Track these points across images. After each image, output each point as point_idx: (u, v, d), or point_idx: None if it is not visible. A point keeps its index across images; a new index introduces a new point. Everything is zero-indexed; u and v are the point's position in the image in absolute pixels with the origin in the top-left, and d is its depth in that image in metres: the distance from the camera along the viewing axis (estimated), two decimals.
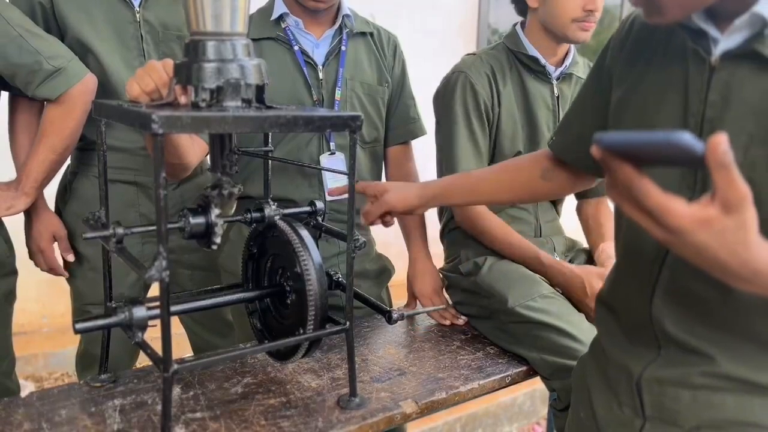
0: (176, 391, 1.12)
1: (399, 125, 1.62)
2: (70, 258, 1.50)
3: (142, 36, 1.41)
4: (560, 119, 1.49)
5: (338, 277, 1.17)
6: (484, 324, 1.44)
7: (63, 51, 1.32)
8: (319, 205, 1.18)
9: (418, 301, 1.58)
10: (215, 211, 1.04)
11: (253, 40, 1.44)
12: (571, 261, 1.55)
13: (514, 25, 1.57)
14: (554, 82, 1.51)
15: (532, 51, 1.48)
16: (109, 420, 1.02)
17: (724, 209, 0.52)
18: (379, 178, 1.65)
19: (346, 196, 1.52)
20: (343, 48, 1.49)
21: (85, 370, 1.60)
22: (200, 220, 1.02)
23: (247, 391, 1.13)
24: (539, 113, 1.50)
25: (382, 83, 1.56)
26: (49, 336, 1.61)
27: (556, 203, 1.62)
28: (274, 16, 1.45)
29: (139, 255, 1.51)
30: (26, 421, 1.01)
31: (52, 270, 1.52)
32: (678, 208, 0.53)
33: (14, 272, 1.44)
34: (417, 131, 1.64)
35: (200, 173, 1.62)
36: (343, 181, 1.47)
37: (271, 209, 1.15)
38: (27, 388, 2.39)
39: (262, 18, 1.48)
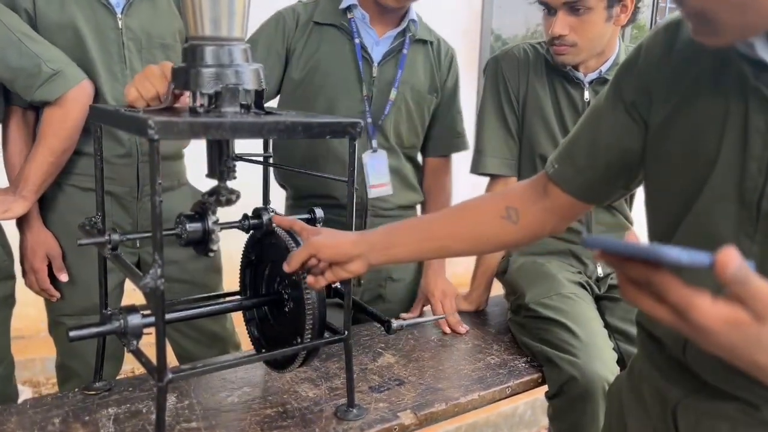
0: (171, 400, 1.10)
1: (443, 136, 1.65)
2: (63, 278, 1.47)
3: (124, 43, 1.39)
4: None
5: (336, 285, 1.15)
6: (513, 318, 1.48)
7: (60, 55, 1.32)
8: (319, 212, 1.16)
9: (420, 310, 1.58)
10: (212, 218, 1.02)
11: (316, 23, 1.51)
12: None
13: None
14: (586, 86, 1.47)
15: (562, 65, 1.46)
16: (102, 429, 1.00)
17: (756, 317, 0.48)
18: (421, 183, 1.67)
19: (388, 191, 1.58)
20: (404, 51, 1.52)
21: (64, 382, 1.57)
22: (197, 226, 1.01)
23: (244, 401, 1.11)
24: (566, 118, 1.49)
25: (432, 92, 1.59)
26: (46, 341, 1.59)
27: (618, 207, 1.54)
28: (344, 5, 1.49)
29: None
30: (19, 429, 0.99)
31: (44, 291, 1.49)
32: (704, 306, 0.49)
33: (12, 277, 1.43)
34: (460, 145, 1.67)
35: (178, 185, 1.59)
36: (383, 177, 1.54)
37: (269, 215, 1.14)
38: (24, 393, 2.37)
39: (330, 4, 1.52)
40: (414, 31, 1.54)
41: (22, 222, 1.45)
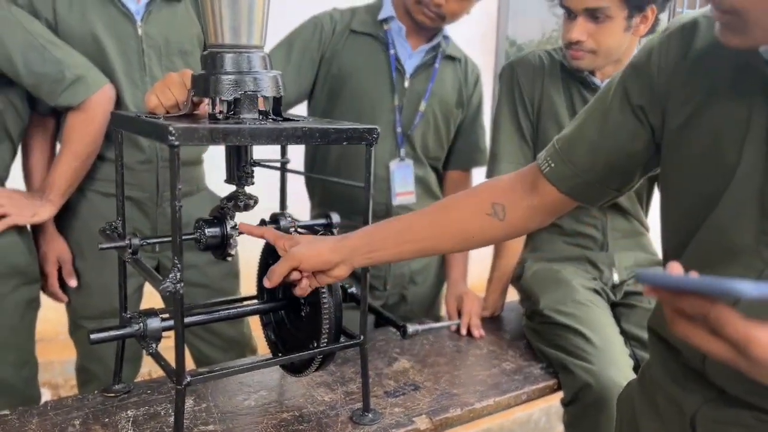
0: (189, 402, 1.11)
1: (465, 151, 1.69)
2: (72, 283, 1.49)
3: (144, 50, 1.41)
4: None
5: (353, 290, 1.16)
6: (528, 324, 1.49)
7: (83, 60, 1.34)
8: (335, 218, 1.17)
9: (443, 315, 1.60)
10: (230, 223, 1.04)
11: (353, 31, 1.55)
12: (635, 278, 1.52)
13: None
14: None
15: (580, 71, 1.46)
16: (122, 431, 1.02)
17: None
18: (442, 195, 1.70)
19: (412, 199, 1.62)
20: (436, 65, 1.57)
21: (84, 384, 1.60)
22: (215, 231, 1.03)
23: (260, 405, 1.12)
24: None
25: (458, 107, 1.64)
26: (66, 343, 1.62)
27: (633, 213, 1.53)
28: (382, 16, 1.54)
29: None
30: (40, 430, 1.01)
31: (53, 295, 1.52)
32: (765, 340, 0.48)
33: (37, 280, 1.46)
34: (481, 161, 1.70)
35: (198, 191, 1.61)
36: (408, 185, 1.59)
37: (286, 221, 1.15)
38: (44, 395, 2.40)
39: (368, 14, 1.57)
40: (445, 47, 1.59)
41: (36, 228, 1.48)
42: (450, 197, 1.00)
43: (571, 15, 1.36)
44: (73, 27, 1.36)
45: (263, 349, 1.30)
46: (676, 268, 0.54)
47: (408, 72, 1.55)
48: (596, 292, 1.46)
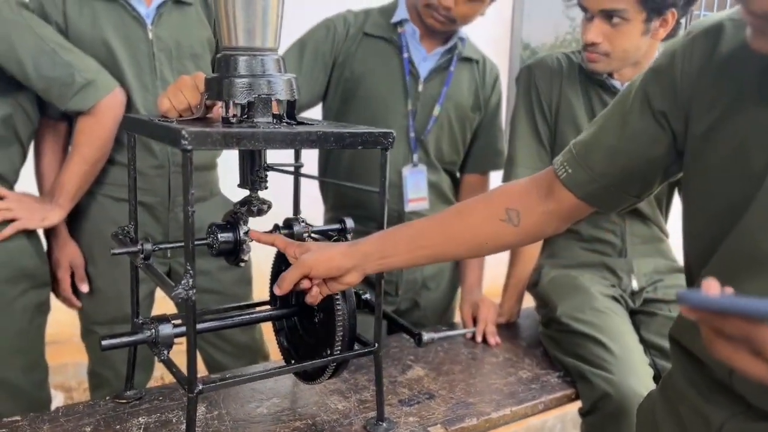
0: (201, 410, 1.10)
1: (482, 154, 1.66)
2: (84, 288, 1.49)
3: (154, 54, 1.41)
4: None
5: (367, 297, 1.14)
6: (544, 331, 1.47)
7: (93, 64, 1.33)
8: (349, 223, 1.16)
9: (457, 322, 1.58)
10: (243, 228, 1.02)
11: (366, 34, 1.52)
12: (654, 285, 1.48)
13: None
14: None
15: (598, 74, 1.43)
16: None
17: None
18: (458, 199, 1.67)
19: (425, 206, 1.60)
20: (451, 69, 1.54)
21: (96, 389, 1.59)
22: (228, 236, 1.01)
23: (273, 413, 1.11)
24: None
25: (475, 110, 1.60)
26: (79, 346, 1.61)
27: (653, 219, 1.51)
28: (395, 19, 1.52)
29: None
30: None
31: (66, 301, 1.51)
32: None
33: (47, 284, 1.45)
34: (499, 164, 1.66)
35: (211, 195, 1.60)
36: (421, 191, 1.56)
37: (300, 225, 1.13)
38: (56, 397, 2.41)
39: (381, 16, 1.54)
40: (461, 49, 1.55)
41: (49, 232, 1.47)
42: (463, 203, 0.98)
43: (588, 16, 1.34)
44: (83, 31, 1.35)
45: (275, 354, 1.29)
46: (713, 287, 0.51)
47: (422, 76, 1.52)
48: (615, 299, 1.43)
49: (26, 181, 1.48)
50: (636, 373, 1.23)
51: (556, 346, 1.38)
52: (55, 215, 1.39)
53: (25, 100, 1.37)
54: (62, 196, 1.39)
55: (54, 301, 1.51)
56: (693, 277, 0.83)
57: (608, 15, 1.29)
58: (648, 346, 1.37)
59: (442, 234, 0.94)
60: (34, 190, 1.47)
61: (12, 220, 1.34)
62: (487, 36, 3.68)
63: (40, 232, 1.45)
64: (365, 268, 0.94)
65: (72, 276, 1.49)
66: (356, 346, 1.05)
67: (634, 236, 1.49)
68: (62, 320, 1.74)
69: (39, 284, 1.41)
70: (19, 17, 1.27)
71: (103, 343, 0.91)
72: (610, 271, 1.49)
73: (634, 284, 1.47)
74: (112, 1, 1.36)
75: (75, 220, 1.49)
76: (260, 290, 1.66)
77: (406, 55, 1.51)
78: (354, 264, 0.93)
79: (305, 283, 0.94)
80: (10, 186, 1.40)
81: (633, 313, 1.46)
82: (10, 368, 1.35)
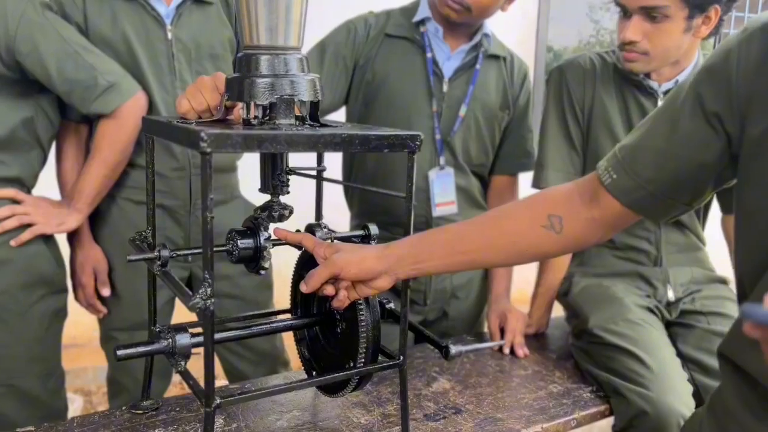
0: (219, 422, 1.06)
1: (511, 155, 1.60)
2: (105, 292, 1.46)
3: (173, 54, 1.38)
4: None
5: (391, 306, 1.10)
6: (575, 343, 1.40)
7: (116, 67, 1.31)
8: (373, 229, 1.11)
9: (486, 334, 1.52)
10: (264, 234, 0.98)
11: (387, 35, 1.48)
12: (691, 296, 1.42)
13: None
14: (660, 96, 1.37)
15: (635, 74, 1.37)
16: None
17: None
18: (487, 202, 1.62)
19: (453, 210, 1.55)
20: (477, 66, 1.48)
21: (114, 397, 1.56)
22: (249, 243, 0.97)
23: (293, 426, 1.06)
24: None
25: (503, 109, 1.55)
26: (99, 349, 1.59)
27: (689, 226, 1.45)
28: (417, 18, 1.47)
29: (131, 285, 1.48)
30: None
31: (90, 307, 1.49)
32: None
33: (64, 290, 1.43)
34: (528, 165, 1.61)
35: (231, 198, 1.57)
36: (449, 195, 1.51)
37: (322, 231, 1.09)
38: (75, 401, 2.40)
39: (403, 16, 1.49)
40: (487, 47, 1.49)
41: (72, 237, 1.45)
42: (503, 207, 0.93)
43: (626, 13, 1.28)
44: (103, 31, 1.33)
45: (295, 361, 1.25)
46: None
47: (446, 75, 1.47)
48: (650, 310, 1.37)
49: (47, 184, 1.46)
50: (674, 390, 1.16)
51: (588, 359, 1.32)
52: (73, 220, 1.37)
53: (47, 102, 1.35)
54: (81, 200, 1.36)
55: (73, 303, 1.49)
56: (746, 291, 0.77)
57: (648, 12, 1.23)
58: (686, 361, 1.31)
59: (480, 240, 0.89)
60: (55, 194, 1.45)
61: (29, 225, 1.32)
62: (511, 36, 3.63)
63: (59, 237, 1.43)
64: (398, 272, 0.89)
65: (95, 281, 1.47)
66: (380, 358, 1.00)
67: (670, 244, 1.43)
68: (82, 323, 1.72)
69: (56, 290, 1.39)
70: (43, 19, 1.25)
71: (118, 353, 0.87)
72: (644, 281, 1.42)
73: (670, 295, 1.41)
74: (132, 0, 1.34)
75: (95, 224, 1.46)
76: (280, 295, 1.63)
77: (429, 54, 1.46)
78: (386, 267, 0.88)
79: (329, 290, 0.89)
80: (28, 190, 1.39)
81: (669, 325, 1.39)
82: (26, 376, 1.33)
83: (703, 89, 0.77)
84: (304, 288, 0.89)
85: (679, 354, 1.31)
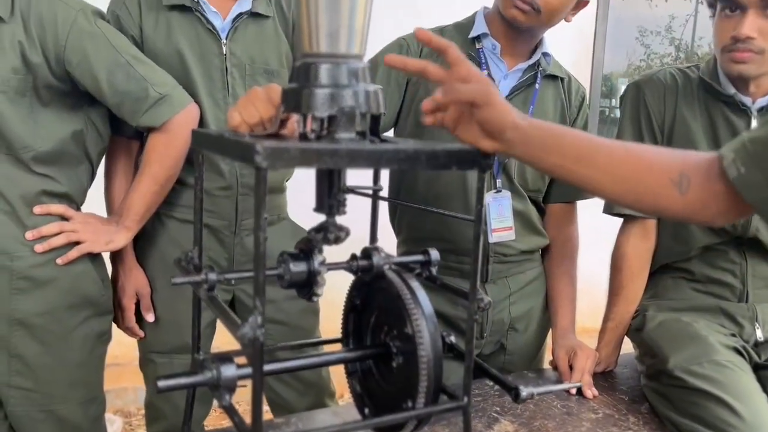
0: None
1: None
2: (150, 318, 1.42)
3: (227, 69, 1.34)
4: None
5: (451, 340, 1.00)
6: (648, 384, 1.29)
7: (168, 78, 1.28)
8: (434, 255, 1.02)
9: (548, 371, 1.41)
10: (319, 258, 0.91)
11: None
12: None
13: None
14: (754, 113, 1.26)
15: (728, 88, 1.27)
16: None
17: None
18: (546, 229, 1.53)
19: (511, 236, 1.44)
20: (537, 86, 1.41)
21: (152, 422, 1.51)
22: (302, 267, 0.90)
23: None
24: None
25: None
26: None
27: None
28: (473, 34, 1.40)
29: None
30: None
31: (129, 330, 1.45)
32: None
33: (110, 312, 1.39)
34: (585, 193, 1.49)
35: (278, 220, 1.51)
36: (506, 220, 1.42)
37: (380, 257, 1.01)
38: (115, 423, 2.36)
39: (457, 32, 1.43)
40: (546, 66, 1.41)
41: (115, 256, 1.41)
42: (641, 145, 0.91)
43: (734, 10, 1.17)
44: (158, 45, 1.31)
45: (343, 390, 1.16)
46: None
47: (503, 94, 1.39)
48: (737, 351, 1.24)
49: (95, 202, 1.43)
50: None
51: (667, 404, 1.19)
52: (122, 238, 1.33)
53: (97, 116, 1.32)
54: (129, 217, 1.32)
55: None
56: None
57: (767, 6, 1.12)
58: None
59: (609, 161, 0.82)
60: (102, 211, 1.42)
61: (77, 243, 1.28)
62: (566, 59, 3.54)
63: (105, 257, 1.39)
64: (515, 147, 0.81)
65: (137, 304, 1.42)
66: (441, 397, 0.91)
67: (757, 278, 1.30)
68: (124, 342, 1.69)
69: (101, 312, 1.35)
70: (95, 28, 1.23)
71: (159, 384, 0.80)
72: (728, 318, 1.29)
73: (759, 334, 1.27)
74: (188, 13, 1.31)
75: (140, 242, 1.42)
76: (324, 318, 1.56)
77: (485, 72, 1.38)
78: (511, 133, 0.80)
79: (447, 120, 0.84)
80: (77, 206, 1.35)
81: (756, 368, 1.26)
82: (66, 402, 1.28)
83: None
84: (424, 107, 0.85)
85: None
